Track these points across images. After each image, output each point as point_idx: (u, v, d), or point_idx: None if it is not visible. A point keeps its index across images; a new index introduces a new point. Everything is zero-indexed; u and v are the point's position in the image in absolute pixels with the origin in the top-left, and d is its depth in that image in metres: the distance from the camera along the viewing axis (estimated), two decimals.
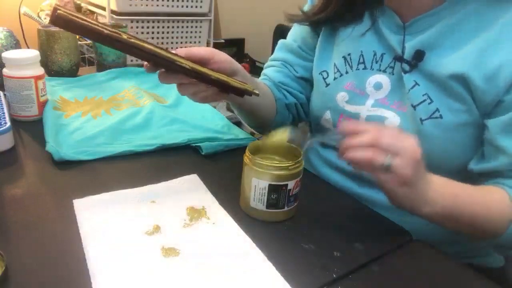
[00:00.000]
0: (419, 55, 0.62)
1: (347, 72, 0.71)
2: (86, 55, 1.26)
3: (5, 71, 0.76)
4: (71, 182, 0.60)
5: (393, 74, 0.66)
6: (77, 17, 0.48)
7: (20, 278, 0.42)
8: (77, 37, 1.05)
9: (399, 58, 0.64)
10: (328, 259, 0.49)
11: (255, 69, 2.01)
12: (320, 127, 0.77)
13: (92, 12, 1.42)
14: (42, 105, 0.80)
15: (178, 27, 1.47)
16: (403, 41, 0.64)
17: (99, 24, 0.50)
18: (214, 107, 0.92)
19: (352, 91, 0.69)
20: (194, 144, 0.73)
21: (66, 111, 0.82)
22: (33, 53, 0.77)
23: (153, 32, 1.42)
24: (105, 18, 1.33)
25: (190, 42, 1.53)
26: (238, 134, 0.80)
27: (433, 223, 0.54)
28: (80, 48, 1.11)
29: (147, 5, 1.36)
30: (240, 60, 1.99)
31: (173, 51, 0.56)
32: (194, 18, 1.50)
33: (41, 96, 0.79)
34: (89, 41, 1.25)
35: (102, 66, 1.08)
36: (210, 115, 0.88)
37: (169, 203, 0.56)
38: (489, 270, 0.73)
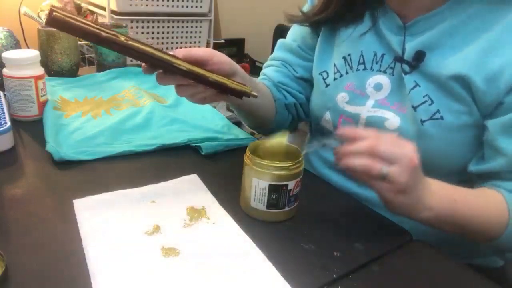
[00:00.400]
0: (419, 56, 0.62)
1: (347, 73, 0.71)
2: (86, 55, 1.26)
3: (5, 71, 0.76)
4: (71, 182, 0.60)
5: (393, 75, 0.66)
6: (73, 19, 0.48)
7: (20, 278, 0.42)
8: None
9: (399, 59, 0.64)
10: (328, 259, 0.49)
11: (255, 69, 2.01)
12: (320, 128, 0.77)
13: (92, 12, 1.42)
14: (42, 105, 0.80)
15: (178, 27, 1.47)
16: (403, 42, 0.64)
17: (96, 26, 0.50)
18: (214, 107, 0.92)
19: (352, 91, 0.69)
20: (194, 144, 0.73)
21: (66, 111, 0.82)
22: (33, 53, 0.77)
23: (153, 32, 1.42)
24: (105, 18, 1.33)
25: (190, 42, 1.53)
26: (238, 134, 0.80)
27: (431, 227, 0.54)
28: (80, 48, 1.11)
29: (147, 5, 1.36)
30: (240, 60, 1.99)
31: (172, 52, 0.56)
32: (194, 18, 1.50)
33: (41, 96, 0.79)
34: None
35: (102, 66, 1.08)
36: (210, 115, 0.88)
37: (169, 203, 0.56)
38: (489, 270, 0.73)
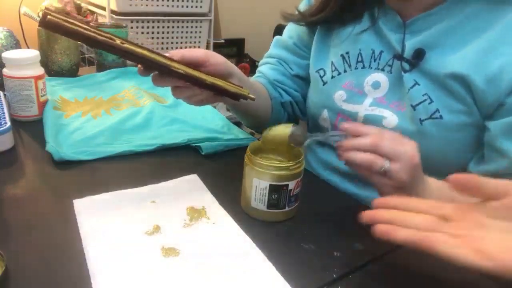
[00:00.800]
0: (419, 54, 0.62)
1: (345, 71, 0.70)
2: (86, 55, 1.26)
3: (5, 71, 0.76)
4: (71, 182, 0.60)
5: (391, 72, 0.66)
6: (68, 21, 0.48)
7: (20, 278, 0.42)
8: None
9: (399, 57, 0.64)
10: (328, 259, 0.49)
11: (255, 69, 2.00)
12: (317, 126, 0.77)
13: (92, 12, 1.42)
14: (42, 105, 0.80)
15: (178, 27, 1.47)
16: (403, 40, 0.64)
17: (91, 29, 0.50)
18: (214, 107, 0.92)
19: (350, 90, 0.69)
20: (194, 144, 0.73)
21: (66, 111, 0.82)
22: (33, 53, 0.77)
23: (153, 32, 1.42)
24: (105, 18, 1.33)
25: (190, 42, 1.53)
26: (238, 134, 0.80)
27: None
28: (80, 48, 1.11)
29: (147, 5, 1.36)
30: (240, 60, 1.98)
31: (167, 54, 0.56)
32: (194, 18, 1.50)
33: (41, 96, 0.79)
34: None
35: (102, 66, 1.08)
36: (210, 115, 0.88)
37: (169, 203, 0.56)
38: None
